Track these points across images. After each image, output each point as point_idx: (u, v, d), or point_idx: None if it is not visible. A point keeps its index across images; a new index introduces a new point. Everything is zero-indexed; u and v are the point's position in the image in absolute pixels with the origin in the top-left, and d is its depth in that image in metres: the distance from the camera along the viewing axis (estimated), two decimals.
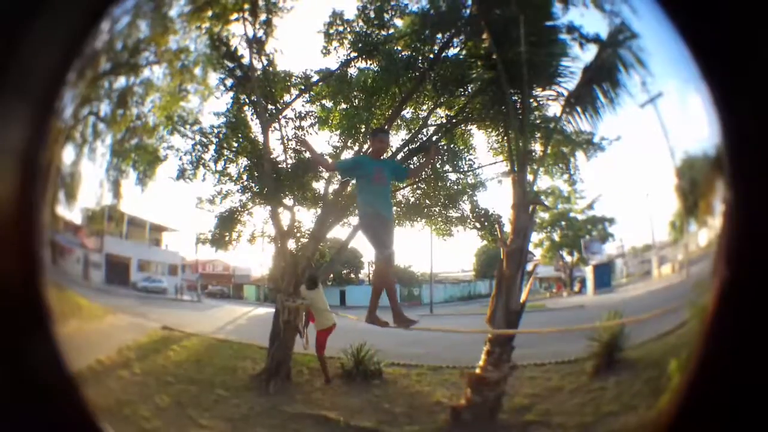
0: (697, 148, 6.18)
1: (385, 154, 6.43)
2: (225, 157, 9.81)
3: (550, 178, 11.00)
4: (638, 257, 14.38)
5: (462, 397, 7.22)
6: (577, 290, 15.59)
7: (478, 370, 7.11)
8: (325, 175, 9.77)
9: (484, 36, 8.52)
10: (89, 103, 6.20)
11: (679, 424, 1.89)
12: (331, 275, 14.58)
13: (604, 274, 14.30)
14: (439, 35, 8.81)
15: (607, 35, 8.17)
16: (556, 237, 15.30)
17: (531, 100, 8.55)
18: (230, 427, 6.68)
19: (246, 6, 9.13)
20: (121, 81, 7.35)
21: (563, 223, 14.84)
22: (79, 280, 7.61)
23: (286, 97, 9.87)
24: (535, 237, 15.19)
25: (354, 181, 6.09)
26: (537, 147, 9.62)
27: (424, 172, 9.60)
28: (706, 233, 7.49)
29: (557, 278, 17.17)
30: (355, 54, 9.31)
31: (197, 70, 8.85)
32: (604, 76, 8.11)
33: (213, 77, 9.32)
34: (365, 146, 9.74)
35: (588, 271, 15.05)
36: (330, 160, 6.85)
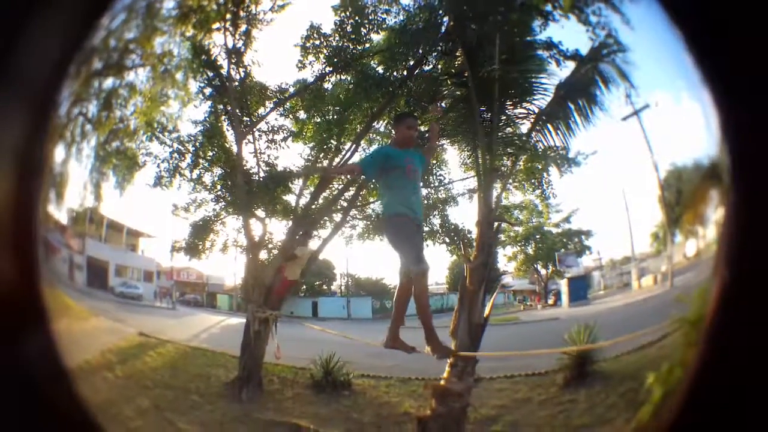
0: (687, 157, 6.61)
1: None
2: (201, 166, 9.99)
3: (522, 194, 11.19)
4: (616, 269, 14.71)
5: (428, 408, 7.22)
6: (552, 303, 15.90)
7: (442, 382, 7.12)
8: (296, 189, 10.09)
9: (458, 53, 8.65)
10: (80, 102, 6.18)
11: (678, 427, 1.87)
12: (304, 286, 14.95)
13: (580, 287, 14.58)
14: (414, 51, 8.97)
15: (589, 50, 8.13)
16: (530, 250, 15.53)
17: (502, 117, 8.62)
18: None
19: (228, 16, 9.27)
20: (108, 82, 7.37)
21: (538, 236, 15.04)
22: (65, 280, 7.60)
23: (261, 110, 10.12)
24: (510, 250, 15.74)
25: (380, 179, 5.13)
26: (508, 163, 9.89)
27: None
28: (695, 243, 7.79)
29: (532, 291, 17.47)
30: (330, 68, 9.48)
31: (179, 75, 8.97)
32: (579, 92, 8.11)
33: (193, 84, 9.50)
34: (336, 160, 10.06)
35: (563, 284, 15.35)
36: (352, 165, 6.05)
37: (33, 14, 1.83)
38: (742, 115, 1.67)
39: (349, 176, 8.12)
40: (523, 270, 16.46)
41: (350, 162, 8.17)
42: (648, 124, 8.66)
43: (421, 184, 5.41)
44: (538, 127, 8.45)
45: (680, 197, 7.55)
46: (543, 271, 16.43)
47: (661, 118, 8.86)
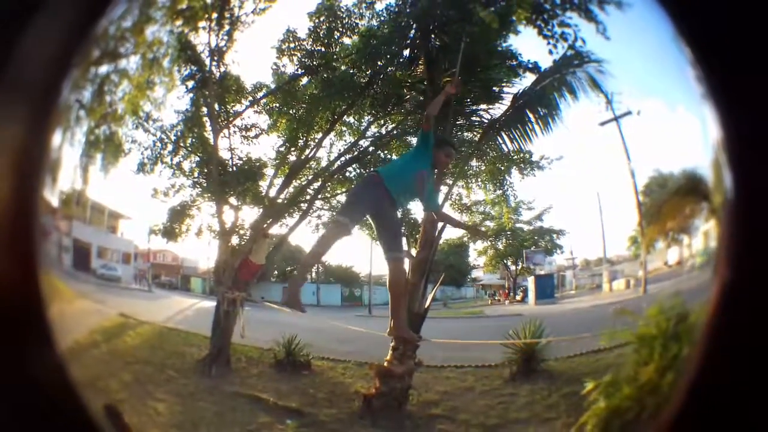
0: (672, 165, 6.98)
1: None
2: (181, 153, 10.96)
3: (485, 194, 12.23)
4: (589, 270, 15.52)
5: (372, 387, 8.16)
6: (520, 299, 16.53)
7: (385, 364, 8.04)
8: (265, 183, 11.16)
9: (421, 62, 9.51)
10: (77, 89, 6.28)
11: (678, 427, 1.92)
12: (275, 271, 16.00)
13: (547, 285, 15.29)
14: (380, 58, 9.96)
15: (553, 61, 8.66)
16: (501, 246, 16.34)
17: (456, 124, 9.57)
18: (180, 401, 7.66)
19: (214, 15, 10.15)
20: (103, 69, 7.52)
21: (508, 232, 15.75)
22: (55, 263, 7.64)
23: (237, 107, 11.19)
24: (480, 245, 16.67)
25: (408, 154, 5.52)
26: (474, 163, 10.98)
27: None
28: (678, 251, 8.03)
29: (501, 286, 18.31)
30: (302, 71, 10.61)
31: (166, 62, 9.50)
32: (540, 101, 8.81)
33: (178, 73, 10.28)
34: (306, 152, 11.25)
35: (530, 282, 15.98)
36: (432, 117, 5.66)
37: (38, 7, 1.86)
38: (742, 116, 1.71)
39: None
40: (493, 265, 17.34)
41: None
42: (633, 130, 9.33)
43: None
44: (491, 133, 9.23)
45: (660, 204, 7.89)
46: (513, 267, 17.20)
47: (647, 124, 9.34)
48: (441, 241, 14.92)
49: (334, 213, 5.49)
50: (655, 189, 8.40)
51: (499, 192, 12.03)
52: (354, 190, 5.55)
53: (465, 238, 16.35)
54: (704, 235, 6.07)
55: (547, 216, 15.57)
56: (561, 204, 15.16)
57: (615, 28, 7.90)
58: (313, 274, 18.81)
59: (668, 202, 7.40)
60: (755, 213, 1.72)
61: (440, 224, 8.58)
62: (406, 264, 6.21)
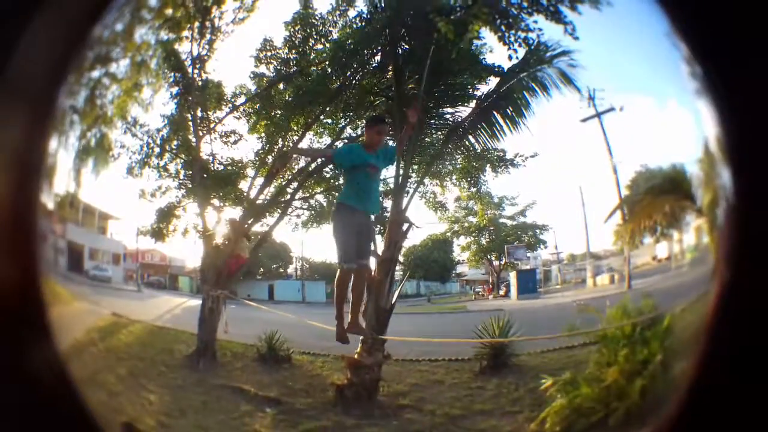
0: (663, 160, 7.40)
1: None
2: (167, 156, 11.81)
3: (460, 192, 13.14)
4: (573, 265, 16.37)
5: (344, 377, 9.07)
6: (503, 294, 17.33)
7: (356, 356, 8.87)
8: (245, 186, 12.08)
9: (389, 68, 10.26)
10: (72, 95, 6.39)
11: (678, 428, 1.96)
12: (261, 269, 17.01)
13: (529, 280, 16.11)
14: (350, 66, 10.82)
15: (519, 61, 9.19)
16: (484, 241, 17.10)
17: (428, 123, 10.32)
18: (171, 393, 8.53)
19: (196, 24, 11.08)
20: (95, 74, 7.96)
21: (491, 228, 16.55)
22: (52, 266, 7.72)
23: (218, 113, 12.17)
24: (463, 240, 17.46)
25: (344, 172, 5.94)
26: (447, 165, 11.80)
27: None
28: (667, 245, 8.82)
29: (485, 281, 19.12)
30: (278, 77, 11.63)
31: (153, 64, 10.41)
32: (505, 101, 9.49)
33: (164, 76, 11.17)
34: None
35: (512, 277, 16.79)
36: (327, 150, 6.45)
37: (35, 12, 1.90)
38: (741, 114, 1.72)
39: (321, 159, 9.07)
40: (477, 260, 18.09)
41: (326, 148, 9.44)
42: (618, 125, 10.16)
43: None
44: (454, 137, 10.11)
45: (635, 202, 8.70)
46: (496, 263, 17.97)
47: (632, 120, 10.23)
48: (425, 237, 16.07)
49: (339, 262, 5.79)
50: (641, 184, 8.89)
51: (473, 189, 12.97)
52: (336, 231, 5.75)
53: (448, 234, 17.33)
54: (695, 231, 6.76)
55: (531, 211, 16.45)
56: (549, 199, 15.88)
57: (601, 23, 8.37)
58: (298, 272, 20.03)
59: (643, 200, 8.19)
60: (755, 212, 1.74)
61: (405, 226, 9.41)
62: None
